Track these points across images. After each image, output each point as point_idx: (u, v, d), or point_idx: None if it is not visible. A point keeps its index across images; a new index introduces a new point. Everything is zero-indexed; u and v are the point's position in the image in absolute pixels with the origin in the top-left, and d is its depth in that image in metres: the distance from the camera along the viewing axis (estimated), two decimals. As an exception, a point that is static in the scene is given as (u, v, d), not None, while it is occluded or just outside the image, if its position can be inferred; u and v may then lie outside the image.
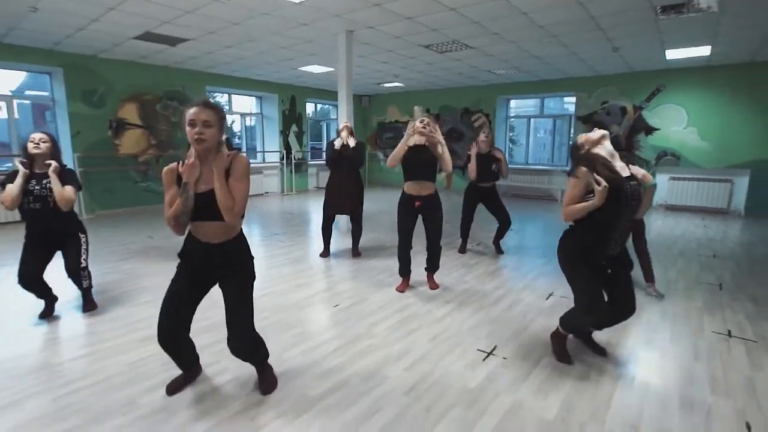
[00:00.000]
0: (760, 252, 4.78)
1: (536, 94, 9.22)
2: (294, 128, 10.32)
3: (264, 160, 9.98)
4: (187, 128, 1.69)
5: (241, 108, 9.97)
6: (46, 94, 6.95)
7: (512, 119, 10.16)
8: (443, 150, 3.19)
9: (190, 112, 1.68)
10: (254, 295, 1.94)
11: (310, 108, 10.95)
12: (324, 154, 4.33)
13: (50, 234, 2.78)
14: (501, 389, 2.08)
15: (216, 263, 1.86)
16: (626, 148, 7.97)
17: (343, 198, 4.21)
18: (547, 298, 3.32)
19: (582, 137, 2.17)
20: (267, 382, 2.04)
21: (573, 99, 8.72)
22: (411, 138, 3.22)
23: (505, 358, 2.39)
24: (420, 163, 3.23)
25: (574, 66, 7.38)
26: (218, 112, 1.74)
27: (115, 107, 7.24)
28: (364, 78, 8.83)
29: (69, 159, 6.81)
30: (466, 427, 1.80)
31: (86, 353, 2.40)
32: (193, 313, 1.92)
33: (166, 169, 1.81)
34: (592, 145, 2.10)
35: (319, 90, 10.58)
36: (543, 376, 2.19)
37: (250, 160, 10.20)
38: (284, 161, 10.07)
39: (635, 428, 1.79)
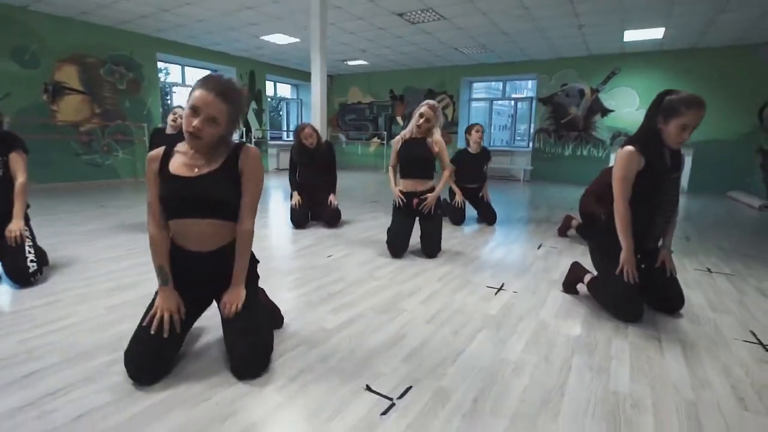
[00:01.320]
0: (710, 218, 5.18)
1: (499, 76, 9.44)
2: (253, 106, 9.84)
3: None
4: (186, 111, 1.33)
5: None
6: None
7: (474, 102, 10.34)
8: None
9: (196, 94, 1.31)
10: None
11: (269, 87, 10.48)
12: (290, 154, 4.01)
13: None
14: (521, 314, 2.05)
15: (211, 276, 1.52)
16: (583, 129, 8.40)
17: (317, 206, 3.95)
18: (538, 248, 3.36)
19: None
20: (275, 316, 1.84)
21: (533, 83, 9.03)
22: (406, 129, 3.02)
23: (515, 291, 2.37)
24: (414, 158, 2.99)
25: (537, 46, 7.62)
26: (235, 107, 1.36)
27: (51, 69, 6.47)
28: (329, 53, 8.57)
29: (-3, 124, 6.00)
30: (499, 344, 1.74)
31: (52, 301, 2.08)
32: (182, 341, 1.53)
33: (149, 156, 1.46)
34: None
35: (280, 67, 10.16)
36: (557, 304, 2.19)
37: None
38: (243, 139, 9.57)
39: (657, 339, 1.82)
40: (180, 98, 10.70)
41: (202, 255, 1.48)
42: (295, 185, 3.99)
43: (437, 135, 2.97)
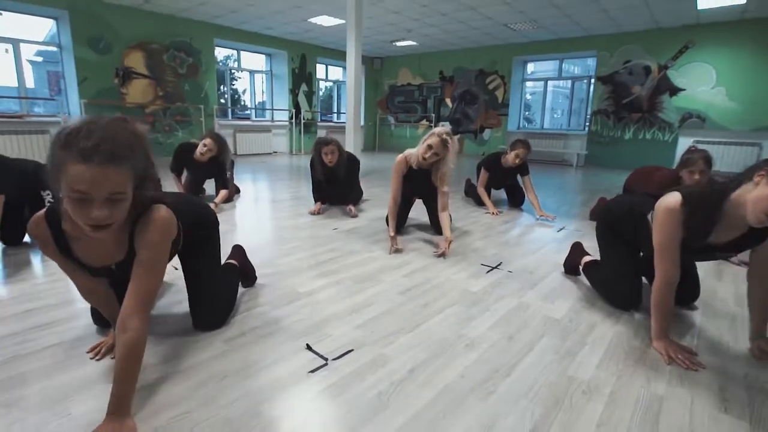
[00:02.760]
0: None
1: (555, 54, 8.80)
2: (304, 88, 10.10)
3: (273, 119, 9.81)
4: (68, 199, 0.92)
5: (250, 66, 9.75)
6: (54, 49, 6.85)
7: (528, 82, 9.76)
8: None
9: (74, 174, 0.89)
10: (257, 219, 1.80)
11: (321, 70, 10.67)
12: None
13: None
14: (505, 294, 1.94)
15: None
16: (648, 110, 7.63)
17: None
18: (558, 231, 3.14)
19: None
20: (247, 276, 1.90)
21: (592, 61, 8.31)
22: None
23: (510, 271, 2.25)
24: (419, 193, 2.85)
25: (595, 20, 6.98)
26: (137, 160, 0.98)
27: (121, 55, 7.10)
28: (375, 33, 8.53)
29: (75, 104, 6.75)
30: (465, 320, 1.67)
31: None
32: None
33: (34, 223, 1.10)
34: None
35: (330, 50, 10.29)
36: (551, 287, 2.05)
37: (259, 119, 10.05)
38: (293, 121, 9.89)
39: (650, 329, 1.64)
40: (240, 83, 11.31)
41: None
42: (317, 197, 3.69)
43: (446, 167, 2.56)
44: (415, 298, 1.87)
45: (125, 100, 7.23)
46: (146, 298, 1.08)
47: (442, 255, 2.45)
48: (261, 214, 3.56)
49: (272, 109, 9.81)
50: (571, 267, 2.17)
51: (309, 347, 1.41)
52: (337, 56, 10.54)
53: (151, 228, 1.09)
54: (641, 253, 1.82)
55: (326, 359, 1.34)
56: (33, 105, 7.03)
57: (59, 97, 7.23)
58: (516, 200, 3.99)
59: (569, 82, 9.77)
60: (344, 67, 11.37)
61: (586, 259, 2.06)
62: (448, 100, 10.52)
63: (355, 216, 3.37)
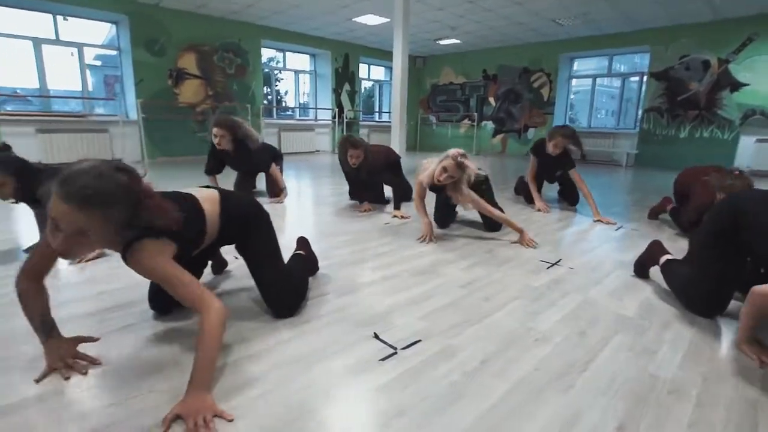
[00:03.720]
0: None
1: (604, 50, 8.44)
2: (347, 87, 10.21)
3: (316, 118, 9.99)
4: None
5: (295, 66, 9.97)
6: (112, 53, 7.29)
7: (575, 79, 9.42)
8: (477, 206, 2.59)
9: (52, 204, 0.97)
10: (305, 214, 1.83)
11: (363, 69, 10.77)
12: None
13: None
14: (568, 290, 1.88)
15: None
16: (705, 107, 7.19)
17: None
18: (616, 229, 3.01)
19: None
20: (312, 266, 1.94)
21: (644, 57, 7.91)
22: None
23: (571, 268, 2.17)
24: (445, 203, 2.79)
25: (649, 13, 6.64)
26: (107, 208, 0.99)
27: (175, 57, 7.44)
28: (419, 31, 8.49)
29: (132, 105, 7.13)
30: (531, 314, 1.62)
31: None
32: None
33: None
34: None
35: (373, 49, 10.36)
36: (616, 285, 1.96)
37: (303, 118, 10.22)
38: (336, 120, 10.03)
39: (735, 332, 1.53)
40: (284, 83, 11.59)
41: None
42: (355, 197, 3.76)
43: (464, 190, 2.52)
44: (476, 291, 1.83)
45: (177, 100, 7.58)
46: (191, 299, 1.14)
47: (529, 245, 2.53)
48: (308, 209, 3.62)
49: (316, 108, 9.99)
50: (643, 266, 2.05)
51: (377, 336, 1.41)
52: (380, 55, 10.59)
53: (134, 262, 1.14)
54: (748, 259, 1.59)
55: (395, 348, 1.34)
56: (94, 105, 7.49)
57: (118, 97, 7.69)
58: (570, 199, 3.83)
59: (617, 80, 9.35)
60: (386, 67, 11.44)
61: (667, 257, 1.92)
62: (491, 99, 10.34)
63: (406, 217, 3.26)
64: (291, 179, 5.19)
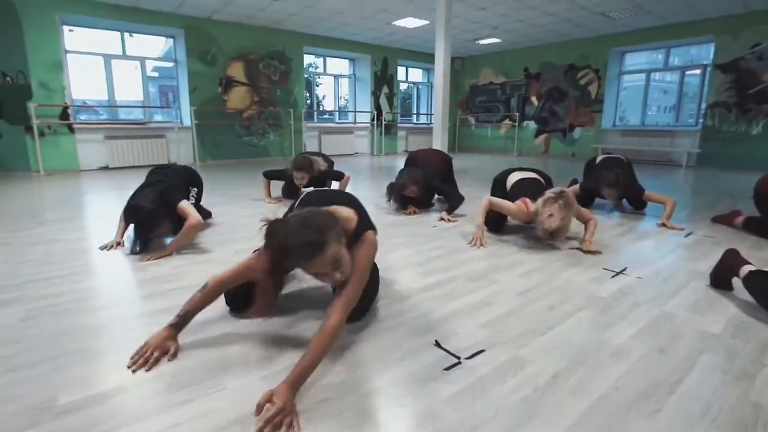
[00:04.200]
0: None
1: (660, 43, 7.95)
2: (385, 90, 10.24)
3: (355, 121, 10.07)
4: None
5: (335, 70, 10.10)
6: (168, 65, 7.69)
7: (626, 75, 8.93)
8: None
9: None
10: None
11: (401, 72, 10.75)
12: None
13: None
14: (640, 301, 1.74)
15: None
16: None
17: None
18: (686, 236, 2.79)
19: None
20: None
21: (708, 48, 7.38)
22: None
23: (639, 277, 2.02)
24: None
25: (708, 1, 6.17)
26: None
27: (225, 66, 7.74)
28: (459, 32, 8.37)
29: (186, 112, 7.48)
30: (603, 326, 1.51)
31: (200, 241, 2.52)
32: None
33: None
34: None
35: (412, 51, 10.33)
36: (696, 298, 1.79)
37: (342, 121, 10.32)
38: (375, 123, 10.07)
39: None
40: (324, 87, 11.79)
41: None
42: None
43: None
44: (537, 299, 1.74)
45: (226, 106, 7.87)
46: (353, 300, 1.28)
47: (590, 251, 2.38)
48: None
49: (355, 111, 10.08)
50: (722, 278, 1.86)
51: (438, 344, 1.36)
52: (418, 58, 10.55)
53: (360, 247, 1.36)
54: None
55: (459, 357, 1.28)
56: (153, 114, 7.93)
57: (173, 105, 8.09)
58: (636, 203, 3.54)
59: (673, 74, 8.77)
60: (424, 69, 11.38)
61: (749, 268, 1.73)
62: (533, 98, 10.02)
63: (454, 221, 3.17)
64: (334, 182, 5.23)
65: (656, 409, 1.07)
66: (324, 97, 12.02)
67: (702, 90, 7.68)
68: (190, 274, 1.97)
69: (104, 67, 6.89)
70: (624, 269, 2.12)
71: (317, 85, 11.35)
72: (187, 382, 1.15)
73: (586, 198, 3.50)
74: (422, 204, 3.57)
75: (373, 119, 10.04)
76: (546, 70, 9.64)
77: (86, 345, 1.35)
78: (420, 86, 11.67)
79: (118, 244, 2.41)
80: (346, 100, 10.42)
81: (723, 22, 7.00)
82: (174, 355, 1.26)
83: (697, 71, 7.95)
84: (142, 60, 7.27)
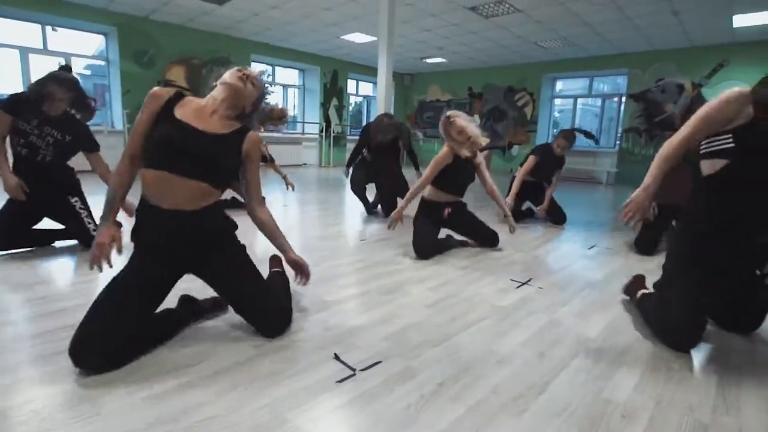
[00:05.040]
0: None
1: (585, 72, 8.69)
2: (335, 102, 10.31)
3: (303, 131, 10.03)
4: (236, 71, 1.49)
5: (284, 80, 10.04)
6: (102, 63, 7.28)
7: (557, 99, 9.65)
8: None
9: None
10: (286, 228, 1.88)
11: (352, 85, 10.89)
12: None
13: (36, 190, 2.32)
14: (536, 309, 1.90)
15: (190, 240, 1.40)
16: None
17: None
18: (590, 248, 3.06)
19: None
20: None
21: (623, 78, 8.17)
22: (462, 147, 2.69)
23: (541, 287, 2.19)
24: (465, 178, 2.84)
25: (627, 38, 6.89)
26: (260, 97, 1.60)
27: (163, 69, 7.45)
28: (406, 50, 8.66)
29: (118, 116, 7.10)
30: (496, 335, 1.63)
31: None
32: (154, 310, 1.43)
33: (154, 91, 1.41)
34: None
35: (361, 66, 10.50)
36: (584, 304, 1.98)
37: (290, 132, 10.25)
38: (323, 134, 10.08)
39: (694, 354, 1.56)
40: (273, 97, 11.66)
41: (180, 214, 1.34)
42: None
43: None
44: (443, 311, 1.84)
45: (164, 111, 7.55)
46: (259, 188, 1.59)
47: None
48: (290, 222, 3.62)
49: (303, 122, 10.05)
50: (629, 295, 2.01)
51: (337, 357, 1.41)
52: (368, 72, 10.74)
53: (255, 139, 1.55)
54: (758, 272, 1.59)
55: (354, 369, 1.34)
56: (80, 115, 7.43)
57: (104, 107, 7.65)
58: (556, 217, 3.92)
59: (599, 99, 9.60)
60: (374, 83, 11.57)
61: (644, 291, 1.89)
62: (476, 116, 10.50)
63: None
64: (276, 193, 5.19)
65: (523, 409, 1.18)
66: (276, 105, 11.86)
67: (619, 116, 8.46)
68: (80, 293, 1.88)
69: (20, 61, 6.37)
70: (529, 280, 2.30)
71: (267, 94, 11.19)
72: (67, 405, 1.12)
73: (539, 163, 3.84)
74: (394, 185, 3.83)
75: (321, 131, 10.05)
76: (488, 91, 10.17)
77: None
78: (370, 100, 11.86)
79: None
80: (296, 110, 10.37)
81: (634, 57, 7.80)
82: (119, 241, 1.37)
83: (615, 99, 8.75)
84: (67, 56, 6.83)
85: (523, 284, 2.24)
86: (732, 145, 1.39)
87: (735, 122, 1.39)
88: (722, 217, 1.50)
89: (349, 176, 4.18)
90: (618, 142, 8.29)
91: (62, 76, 2.26)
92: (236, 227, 1.57)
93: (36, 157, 2.29)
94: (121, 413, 1.09)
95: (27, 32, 6.45)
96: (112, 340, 1.24)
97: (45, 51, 6.60)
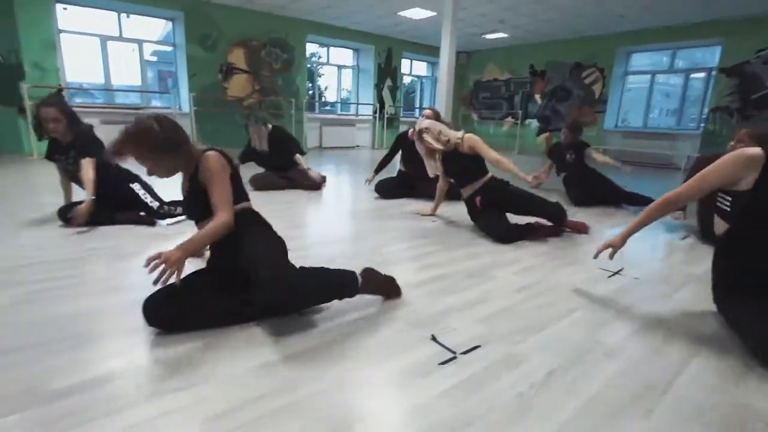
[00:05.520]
0: None
1: (667, 44, 7.90)
2: (388, 82, 10.17)
3: (357, 113, 10.02)
4: None
5: (338, 61, 10.03)
6: (167, 49, 7.60)
7: (631, 76, 8.90)
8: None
9: None
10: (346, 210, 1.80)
11: (405, 65, 10.68)
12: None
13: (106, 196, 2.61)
14: (637, 301, 1.74)
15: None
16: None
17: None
18: (682, 239, 2.79)
19: None
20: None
21: (713, 51, 7.34)
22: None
23: (636, 278, 2.02)
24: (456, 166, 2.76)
25: (722, 2, 6.12)
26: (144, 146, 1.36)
27: (225, 52, 7.66)
28: (465, 26, 8.29)
29: (185, 98, 7.42)
30: (598, 326, 1.51)
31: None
32: None
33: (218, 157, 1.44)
34: None
35: (416, 44, 10.25)
36: (691, 299, 1.80)
37: (344, 113, 10.29)
38: (377, 115, 10.02)
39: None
40: (326, 78, 11.73)
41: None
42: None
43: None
44: (534, 297, 1.74)
45: (226, 93, 7.80)
46: (221, 198, 1.43)
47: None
48: (348, 205, 3.61)
49: (357, 104, 10.02)
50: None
51: (434, 338, 1.36)
52: (423, 51, 10.47)
53: (208, 162, 1.44)
54: None
55: (454, 352, 1.28)
56: (151, 99, 7.86)
57: (172, 90, 8.02)
58: (631, 198, 3.71)
59: (676, 77, 8.73)
60: (429, 62, 11.30)
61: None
62: (537, 96, 9.98)
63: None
64: (330, 173, 5.22)
65: (649, 409, 1.07)
66: (326, 87, 11.94)
67: (705, 94, 7.65)
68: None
69: (100, 49, 6.78)
70: (620, 270, 2.12)
71: (319, 76, 11.29)
72: (178, 369, 1.15)
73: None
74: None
75: (375, 112, 9.99)
76: (551, 68, 9.58)
77: (80, 330, 1.35)
78: (424, 80, 11.60)
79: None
80: (349, 91, 10.36)
81: (732, 25, 6.95)
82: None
83: (702, 75, 7.92)
84: (139, 42, 7.17)
85: (615, 274, 2.07)
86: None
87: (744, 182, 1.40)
88: None
89: (374, 182, 3.90)
90: (703, 123, 7.51)
91: (45, 101, 2.54)
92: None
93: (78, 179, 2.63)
94: (232, 381, 1.10)
95: (104, 20, 6.83)
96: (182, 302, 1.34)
97: (120, 38, 6.97)
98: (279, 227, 1.66)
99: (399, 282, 1.73)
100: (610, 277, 2.02)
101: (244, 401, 1.03)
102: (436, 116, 3.34)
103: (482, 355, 1.28)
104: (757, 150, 1.37)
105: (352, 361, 1.22)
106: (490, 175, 2.73)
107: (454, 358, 1.26)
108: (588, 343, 1.38)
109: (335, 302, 1.50)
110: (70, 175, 2.70)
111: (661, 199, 1.61)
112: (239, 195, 1.53)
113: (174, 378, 1.11)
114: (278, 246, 1.53)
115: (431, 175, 2.86)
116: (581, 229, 2.77)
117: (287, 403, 1.03)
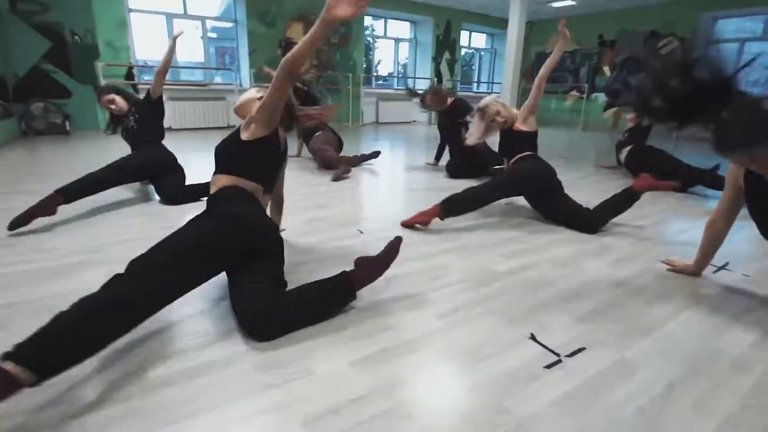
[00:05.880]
0: None
1: (761, 8, 6.96)
2: (447, 56, 9.80)
3: (414, 87, 9.76)
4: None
5: (395, 34, 9.76)
6: (227, 25, 7.70)
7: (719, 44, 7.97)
8: None
9: None
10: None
11: (464, 37, 10.21)
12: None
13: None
14: (751, 303, 1.56)
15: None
16: None
17: None
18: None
19: None
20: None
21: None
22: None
23: (746, 275, 1.81)
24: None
25: None
26: None
27: (284, 27, 7.67)
28: (531, -7, 7.74)
29: (246, 74, 7.55)
30: (714, 331, 1.36)
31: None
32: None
33: None
34: None
35: (477, 15, 9.74)
36: (820, 305, 1.59)
37: (401, 88, 10.05)
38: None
39: None
40: (382, 52, 11.49)
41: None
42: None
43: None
44: (635, 294, 1.60)
45: (285, 69, 7.85)
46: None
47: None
48: (422, 184, 3.54)
49: (414, 78, 9.76)
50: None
51: (534, 338, 1.28)
52: (483, 21, 9.96)
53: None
54: None
55: (558, 355, 1.21)
56: (213, 75, 8.08)
57: (233, 66, 8.19)
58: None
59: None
60: (488, 34, 10.74)
61: None
62: (606, 68, 9.24)
63: None
64: (385, 149, 5.14)
65: (799, 437, 0.95)
66: (380, 61, 11.73)
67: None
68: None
69: (166, 27, 6.99)
70: (726, 264, 1.92)
71: (371, 50, 11.09)
72: (273, 364, 1.13)
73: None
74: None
75: (432, 84, 9.70)
76: (623, 38, 8.79)
77: (172, 316, 1.33)
78: (482, 53, 11.08)
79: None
80: (404, 65, 10.10)
81: None
82: None
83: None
84: (202, 19, 7.32)
85: (720, 269, 1.87)
86: None
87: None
88: None
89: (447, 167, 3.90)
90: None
91: (99, 92, 2.86)
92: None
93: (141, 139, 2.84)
94: (335, 378, 1.09)
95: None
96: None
97: (185, 15, 7.15)
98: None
99: (483, 268, 1.65)
100: (715, 272, 1.83)
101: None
102: (438, 91, 3.68)
103: (589, 358, 1.19)
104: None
105: (454, 359, 1.18)
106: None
107: (559, 361, 1.18)
108: (707, 351, 1.25)
109: (428, 286, 1.49)
110: (132, 139, 2.80)
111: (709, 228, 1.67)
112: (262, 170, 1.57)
113: (267, 373, 1.12)
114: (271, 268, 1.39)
115: (471, 143, 2.77)
116: (670, 187, 2.43)
117: (393, 405, 1.00)
